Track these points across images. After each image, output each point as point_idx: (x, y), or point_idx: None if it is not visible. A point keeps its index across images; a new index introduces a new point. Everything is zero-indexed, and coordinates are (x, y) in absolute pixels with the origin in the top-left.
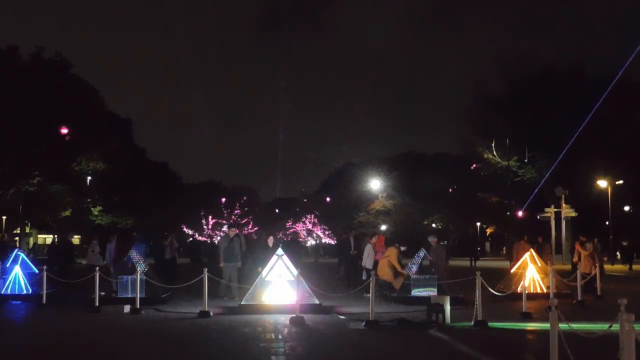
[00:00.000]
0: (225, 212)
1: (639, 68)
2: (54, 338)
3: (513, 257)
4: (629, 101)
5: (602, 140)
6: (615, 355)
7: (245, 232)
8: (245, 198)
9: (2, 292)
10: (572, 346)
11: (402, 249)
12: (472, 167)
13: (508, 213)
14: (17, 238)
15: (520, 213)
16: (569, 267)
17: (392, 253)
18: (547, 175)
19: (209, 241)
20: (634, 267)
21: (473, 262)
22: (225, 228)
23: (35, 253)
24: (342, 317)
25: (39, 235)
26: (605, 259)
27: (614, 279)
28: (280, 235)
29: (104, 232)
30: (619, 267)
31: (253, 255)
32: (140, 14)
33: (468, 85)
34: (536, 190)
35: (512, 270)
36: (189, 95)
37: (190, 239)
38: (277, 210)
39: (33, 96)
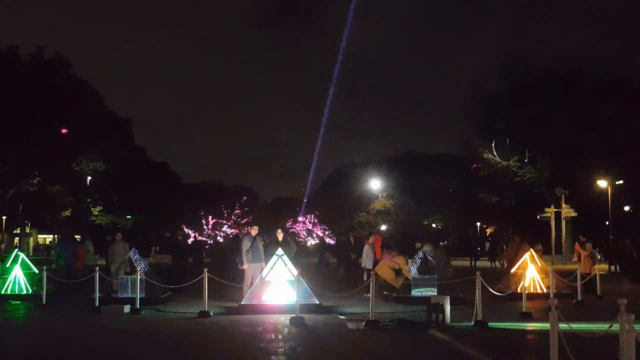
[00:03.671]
0: (225, 212)
1: (639, 68)
2: (53, 338)
3: (505, 257)
4: (629, 101)
5: (602, 140)
6: (615, 355)
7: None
8: (245, 198)
9: (2, 292)
10: (572, 346)
11: (409, 261)
12: (472, 167)
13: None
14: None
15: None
16: (569, 267)
17: (401, 262)
18: (547, 175)
19: (210, 241)
20: (612, 267)
21: (473, 262)
22: (225, 228)
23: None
24: (342, 317)
25: (39, 235)
26: None
27: (614, 279)
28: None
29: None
30: (603, 266)
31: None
32: (140, 13)
33: (468, 85)
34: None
35: (511, 271)
36: (189, 95)
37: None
38: (277, 211)
39: (33, 96)
